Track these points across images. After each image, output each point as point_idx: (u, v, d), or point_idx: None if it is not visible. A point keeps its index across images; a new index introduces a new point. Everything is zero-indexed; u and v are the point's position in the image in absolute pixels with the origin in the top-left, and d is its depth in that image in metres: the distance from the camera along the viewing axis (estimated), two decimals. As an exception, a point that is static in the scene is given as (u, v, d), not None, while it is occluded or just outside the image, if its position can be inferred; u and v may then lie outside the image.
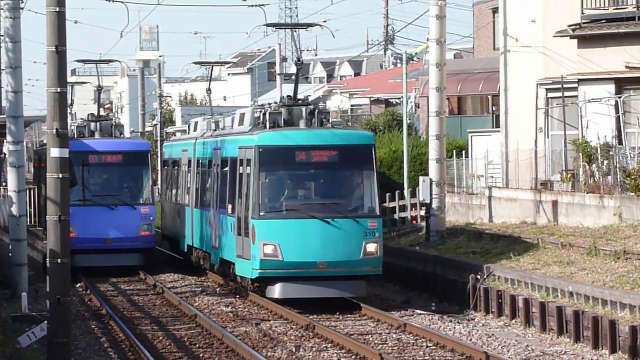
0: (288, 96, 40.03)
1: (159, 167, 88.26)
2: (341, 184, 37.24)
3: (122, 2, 52.36)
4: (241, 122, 42.12)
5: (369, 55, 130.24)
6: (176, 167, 54.94)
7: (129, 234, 51.13)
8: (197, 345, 34.17)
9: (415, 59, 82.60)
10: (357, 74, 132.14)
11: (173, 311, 41.30)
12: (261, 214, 35.11)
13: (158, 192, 68.70)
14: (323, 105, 42.52)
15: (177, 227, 52.62)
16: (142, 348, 32.33)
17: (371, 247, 35.53)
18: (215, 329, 35.70)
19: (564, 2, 55.19)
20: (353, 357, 30.44)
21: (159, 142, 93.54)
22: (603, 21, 53.71)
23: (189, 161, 50.31)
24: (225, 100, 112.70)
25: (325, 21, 56.94)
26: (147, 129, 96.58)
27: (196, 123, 53.62)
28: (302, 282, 35.34)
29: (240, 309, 40.34)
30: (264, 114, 38.54)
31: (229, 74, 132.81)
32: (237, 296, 42.92)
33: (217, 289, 45.75)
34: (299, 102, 39.03)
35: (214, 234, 42.39)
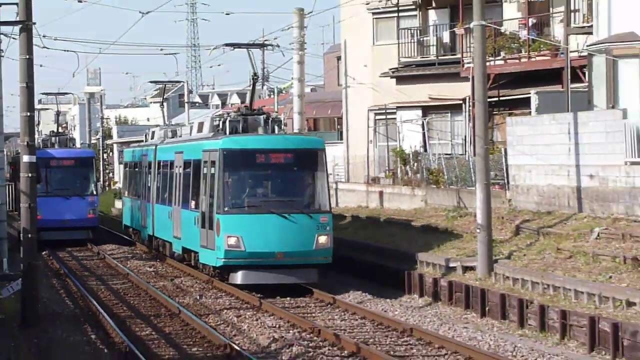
0: (245, 106, 36.02)
1: (101, 168, 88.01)
2: (296, 183, 32.42)
3: (74, 52, 52.10)
4: (200, 130, 37.46)
5: (258, 90, 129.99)
6: (137, 169, 49.61)
7: (80, 216, 51.11)
8: (129, 295, 34.21)
9: (283, 92, 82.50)
10: (242, 102, 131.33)
11: (111, 271, 41.10)
12: (225, 209, 30.80)
13: (101, 187, 68.49)
14: (276, 114, 38.17)
15: (139, 219, 47.64)
16: (89, 297, 32.48)
17: (322, 239, 31.19)
18: (142, 284, 35.73)
19: (386, 52, 55.61)
20: (240, 302, 30.53)
21: (101, 150, 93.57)
22: (413, 66, 54.23)
23: (149, 164, 45.02)
24: (148, 120, 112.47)
25: (219, 65, 56.85)
26: (93, 141, 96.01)
27: (153, 132, 49.54)
28: (261, 270, 30.91)
29: (160, 270, 40.22)
30: (224, 122, 34.35)
31: (150, 102, 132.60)
32: (158, 260, 42.83)
33: (143, 255, 45.58)
34: (254, 112, 34.95)
35: (176, 226, 37.35)
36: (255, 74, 35.83)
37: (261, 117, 33.95)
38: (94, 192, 54.00)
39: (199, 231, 32.82)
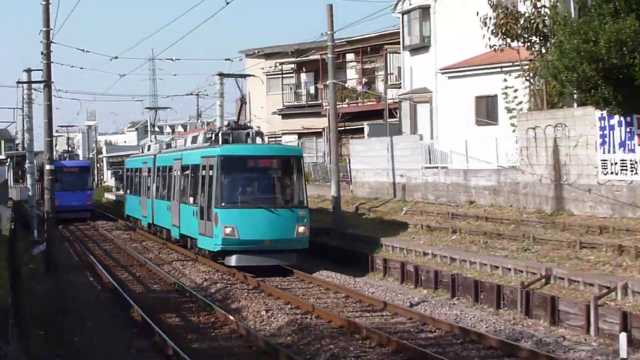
0: (234, 122, 29.74)
1: (95, 173, 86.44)
2: (280, 184, 26.17)
3: (78, 99, 52.19)
4: (194, 141, 31.30)
5: (191, 122, 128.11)
6: (137, 173, 42.25)
7: (82, 203, 50.15)
8: (113, 252, 33.70)
9: (210, 124, 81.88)
10: (185, 130, 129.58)
11: (103, 238, 40.36)
12: (222, 204, 24.76)
13: (95, 185, 67.52)
14: (258, 128, 31.55)
15: (139, 211, 40.72)
16: (88, 254, 31.91)
17: (301, 229, 25.09)
18: (121, 245, 35.21)
19: (275, 99, 55.73)
20: (184, 257, 30.02)
21: (95, 162, 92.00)
22: (292, 107, 54.37)
23: (149, 169, 38.25)
24: (125, 142, 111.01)
25: (170, 108, 56.52)
26: (90, 156, 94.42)
27: (149, 146, 43.29)
28: (252, 254, 24.91)
29: (133, 236, 39.59)
30: (216, 134, 28.13)
31: (126, 131, 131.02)
32: (132, 230, 42.29)
33: (122, 227, 44.97)
34: (241, 126, 28.74)
35: (175, 217, 30.90)
36: (242, 97, 30.84)
37: (246, 130, 28.43)
38: (91, 188, 53.22)
39: (197, 222, 26.87)
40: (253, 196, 25.34)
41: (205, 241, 26.02)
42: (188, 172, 29.15)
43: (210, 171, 25.63)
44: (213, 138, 28.58)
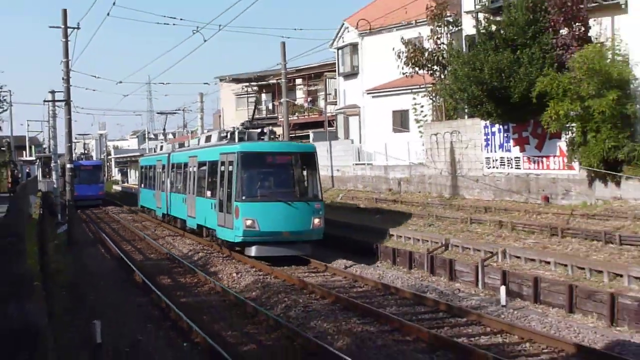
0: (248, 121, 24.69)
1: (106, 170, 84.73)
2: (296, 178, 21.13)
3: (92, 114, 51.02)
4: (208, 140, 26.23)
5: (179, 131, 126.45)
6: (152, 170, 35.56)
7: (96, 193, 49.14)
8: (120, 230, 32.94)
9: (193, 132, 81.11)
10: (174, 137, 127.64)
11: (112, 219, 39.50)
12: (243, 198, 19.99)
13: (105, 179, 66.25)
14: (270, 128, 27.13)
15: (154, 202, 34.84)
16: (100, 232, 31.25)
17: (317, 221, 20.28)
18: (127, 224, 34.41)
19: (243, 113, 55.00)
20: (174, 233, 29.48)
21: (105, 161, 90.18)
22: (257, 121, 53.65)
23: (163, 166, 31.99)
24: (129, 146, 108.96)
25: (178, 113, 55.67)
26: (101, 157, 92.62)
27: (161, 147, 37.44)
28: (271, 245, 20.10)
29: (135, 218, 38.89)
30: (232, 133, 23.41)
31: (129, 138, 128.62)
32: (135, 213, 41.51)
33: (127, 211, 44.16)
34: (254, 126, 24.05)
35: (191, 208, 25.68)
36: (257, 99, 25.74)
37: (259, 130, 23.45)
38: (102, 182, 52.12)
39: (216, 214, 21.85)
40: (271, 190, 20.62)
41: (225, 232, 21.25)
42: (205, 167, 24.10)
43: (230, 167, 20.95)
44: (228, 137, 23.80)
